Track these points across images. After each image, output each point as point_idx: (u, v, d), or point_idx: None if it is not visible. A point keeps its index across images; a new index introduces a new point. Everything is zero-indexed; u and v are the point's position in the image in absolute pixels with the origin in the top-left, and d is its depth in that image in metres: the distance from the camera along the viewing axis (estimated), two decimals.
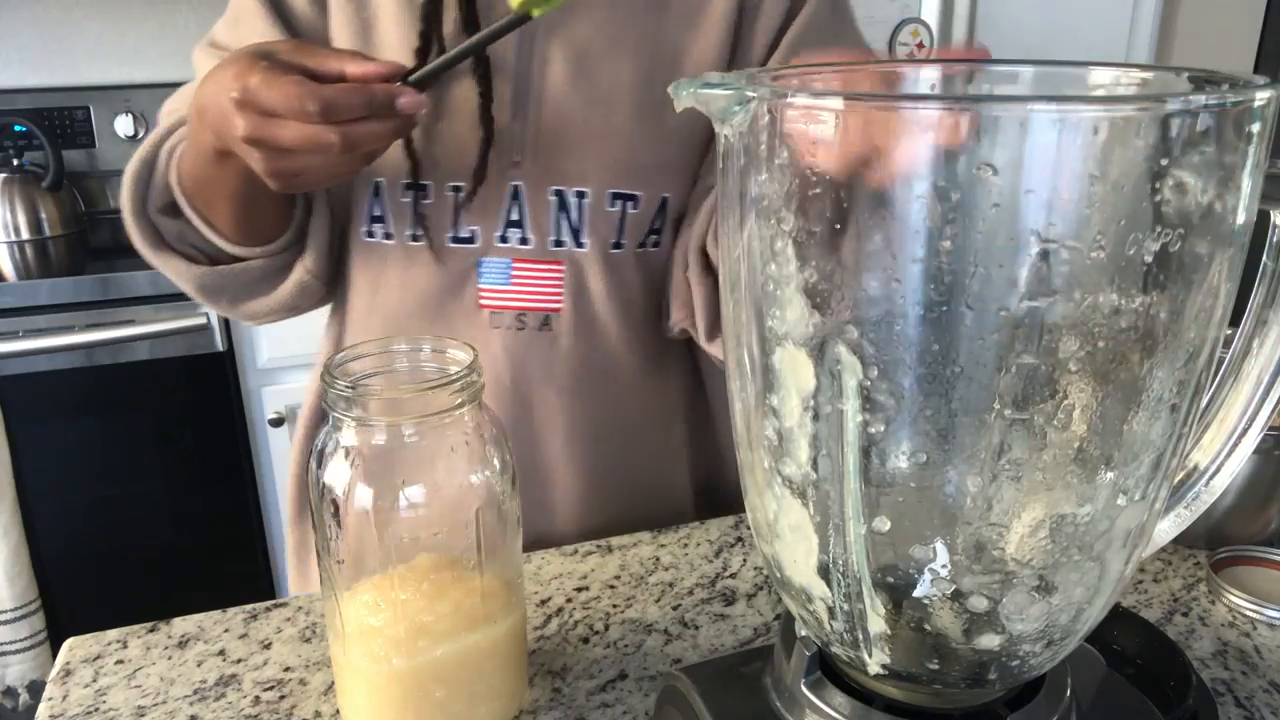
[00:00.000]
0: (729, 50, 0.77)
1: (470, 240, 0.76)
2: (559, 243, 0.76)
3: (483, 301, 0.76)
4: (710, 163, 0.78)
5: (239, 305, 0.80)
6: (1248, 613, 0.64)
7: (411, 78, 0.63)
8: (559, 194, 0.75)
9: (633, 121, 0.74)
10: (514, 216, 0.75)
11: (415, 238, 0.76)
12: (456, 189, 0.74)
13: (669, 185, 0.77)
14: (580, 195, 0.75)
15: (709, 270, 0.75)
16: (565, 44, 0.73)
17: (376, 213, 0.77)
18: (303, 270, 0.78)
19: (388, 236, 0.77)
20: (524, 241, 0.76)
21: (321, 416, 0.56)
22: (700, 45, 0.76)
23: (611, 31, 0.74)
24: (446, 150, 0.74)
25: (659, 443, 0.83)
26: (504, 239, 0.75)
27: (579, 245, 0.76)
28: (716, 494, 0.87)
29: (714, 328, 0.76)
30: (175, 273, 0.77)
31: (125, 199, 0.73)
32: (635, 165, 0.75)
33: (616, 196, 0.75)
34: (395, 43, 0.73)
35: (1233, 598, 0.65)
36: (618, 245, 0.77)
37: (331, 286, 0.83)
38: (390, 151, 0.70)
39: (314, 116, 0.57)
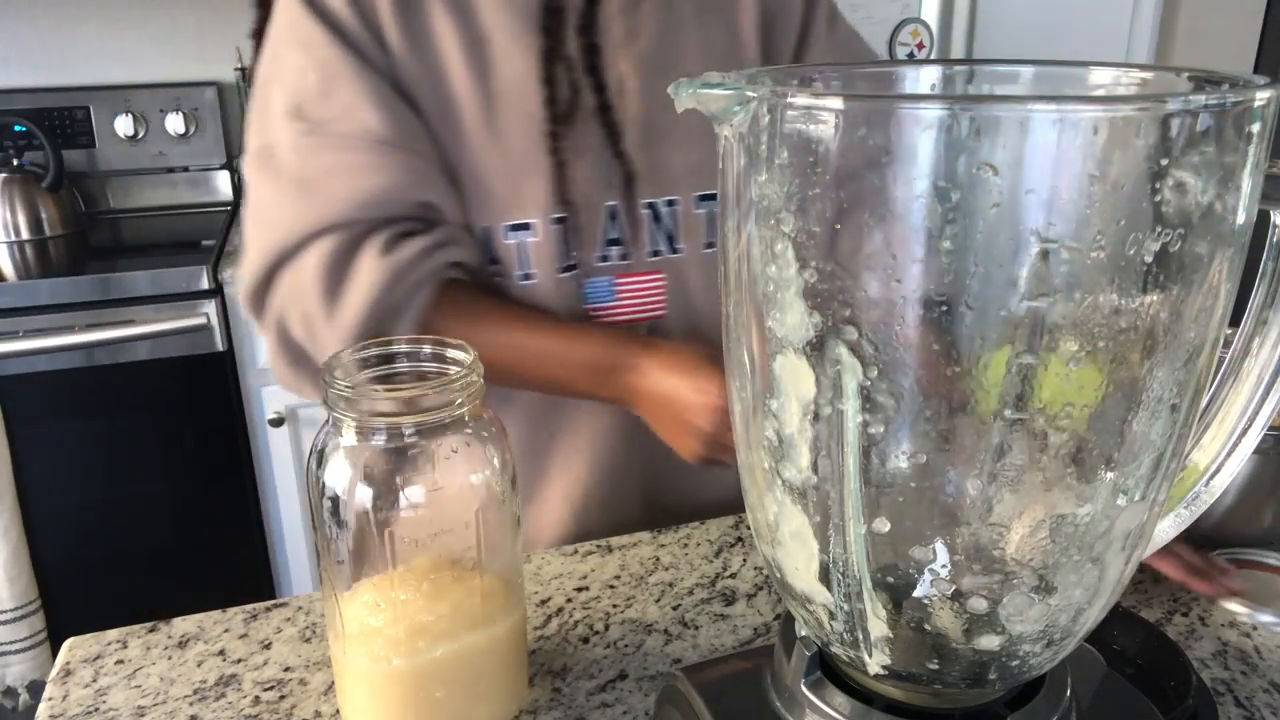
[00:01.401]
0: (765, 57, 0.82)
1: (574, 266, 0.77)
2: (656, 252, 0.78)
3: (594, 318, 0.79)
4: None
5: None
6: (1242, 618, 0.64)
7: None
8: (651, 206, 0.77)
9: (706, 121, 0.76)
10: (612, 235, 0.78)
11: (527, 277, 0.77)
12: (559, 220, 0.75)
13: None
14: (670, 204, 0.78)
15: None
16: (633, 61, 0.75)
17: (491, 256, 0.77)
18: None
19: (497, 275, 0.78)
20: (624, 257, 0.78)
21: None
22: (746, 53, 0.80)
23: (670, 41, 0.77)
24: (581, 189, 0.75)
25: None
26: (604, 258, 0.78)
27: (675, 251, 0.79)
28: None
29: None
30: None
31: (351, 335, 0.69)
32: (715, 164, 0.78)
33: (703, 199, 0.78)
34: (513, 55, 0.73)
35: (1224, 602, 0.64)
36: (710, 245, 0.79)
37: None
38: (538, 192, 0.73)
39: None
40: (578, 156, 0.74)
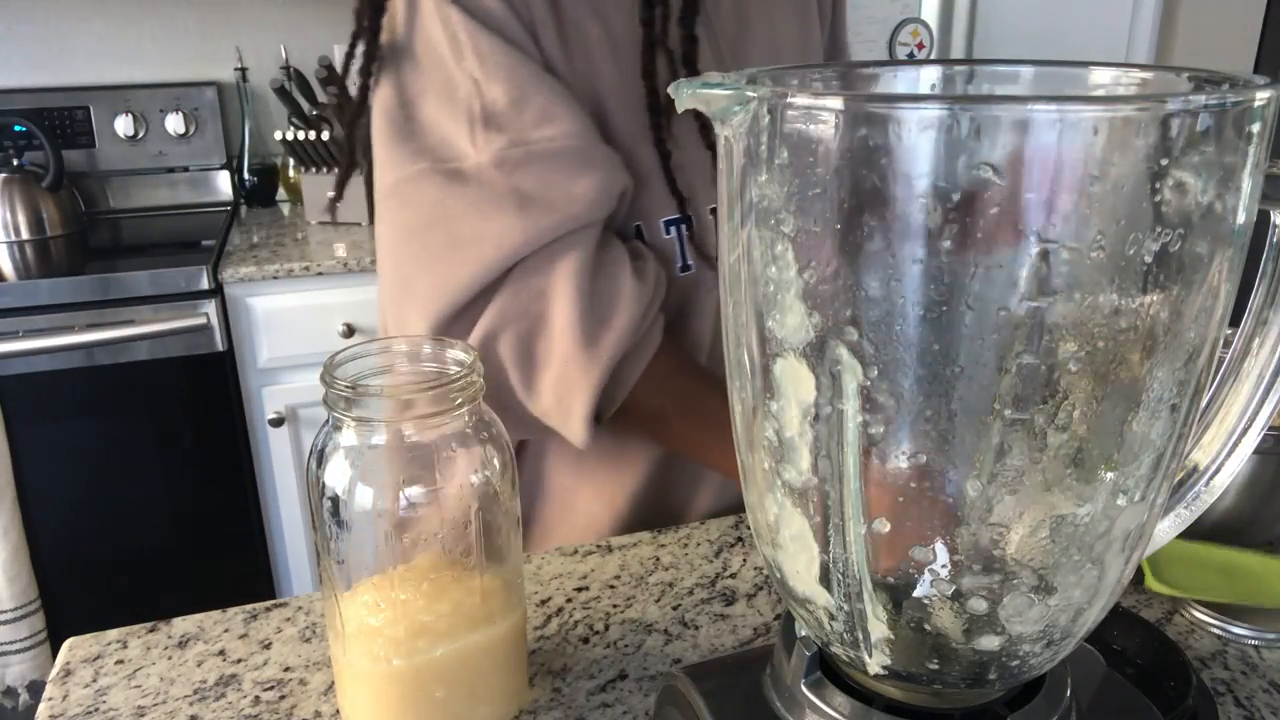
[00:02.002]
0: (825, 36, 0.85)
1: (687, 268, 0.77)
2: None
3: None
4: None
5: None
6: (1215, 632, 0.63)
7: None
8: (713, 210, 0.78)
9: None
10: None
11: (686, 268, 0.77)
12: (673, 222, 0.75)
13: None
14: None
15: None
16: (728, 49, 0.77)
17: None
18: None
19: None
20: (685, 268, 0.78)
21: None
22: (815, 37, 0.82)
23: (740, 19, 0.77)
24: (689, 179, 0.75)
25: None
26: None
27: None
28: None
29: None
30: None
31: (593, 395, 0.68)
32: None
33: None
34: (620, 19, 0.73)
35: (1196, 612, 0.64)
36: None
37: None
38: (651, 188, 0.72)
39: None
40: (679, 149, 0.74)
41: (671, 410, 0.73)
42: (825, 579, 0.38)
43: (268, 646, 0.62)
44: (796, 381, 0.35)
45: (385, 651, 0.50)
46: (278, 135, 1.96)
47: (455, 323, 0.69)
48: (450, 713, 0.53)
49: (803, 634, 0.42)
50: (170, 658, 0.61)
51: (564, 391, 0.69)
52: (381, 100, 0.70)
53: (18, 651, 1.67)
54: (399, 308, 0.71)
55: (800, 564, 0.38)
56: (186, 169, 2.14)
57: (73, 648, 0.62)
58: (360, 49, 0.71)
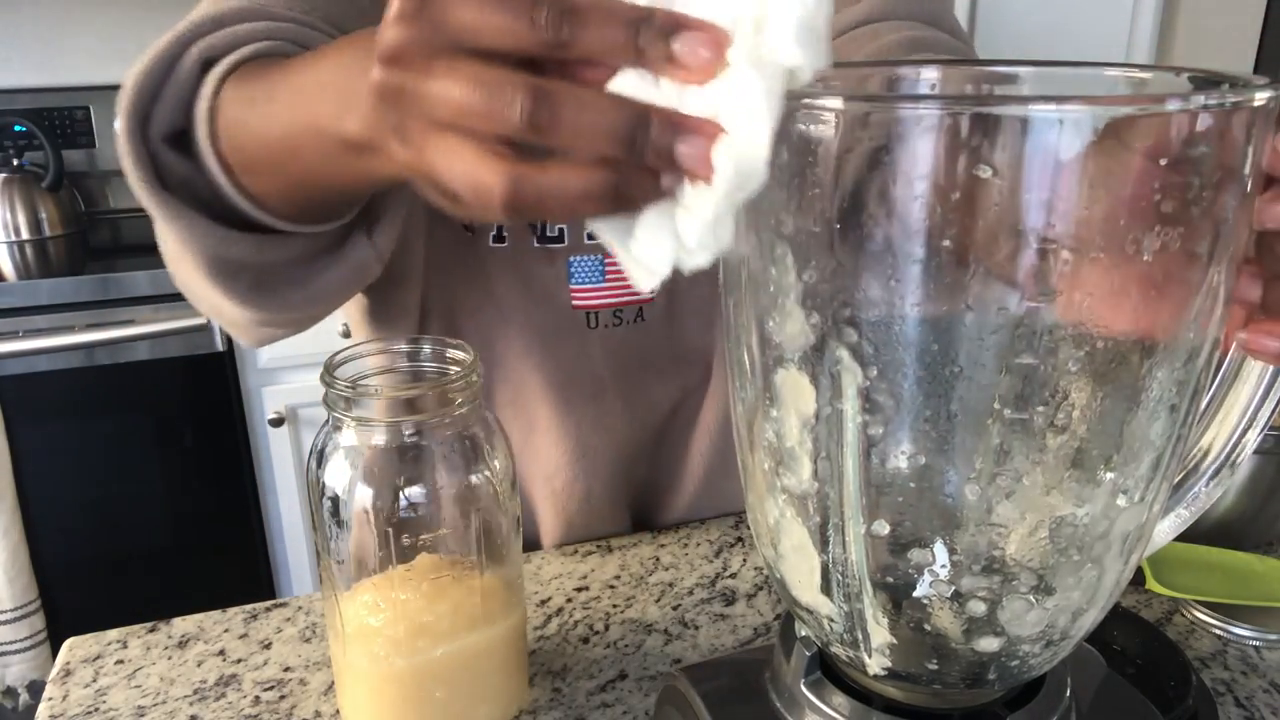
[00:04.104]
0: None
1: (559, 239, 0.72)
2: None
3: (575, 302, 0.73)
4: None
5: (262, 295, 0.56)
6: (1216, 632, 0.63)
7: None
8: None
9: None
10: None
11: (499, 239, 0.70)
12: None
13: None
14: None
15: None
16: None
17: None
18: (367, 248, 0.58)
19: (467, 228, 0.69)
20: None
21: None
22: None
23: None
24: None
25: None
26: (592, 237, 0.71)
27: None
28: None
29: None
30: (185, 230, 0.51)
31: (122, 110, 0.52)
32: None
33: None
34: None
35: (1196, 613, 0.64)
36: None
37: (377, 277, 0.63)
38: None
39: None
40: None
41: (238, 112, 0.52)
42: (826, 586, 0.38)
43: (268, 646, 0.62)
44: (797, 394, 0.35)
45: (385, 651, 0.50)
46: None
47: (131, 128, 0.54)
48: (450, 713, 0.53)
49: (803, 634, 0.42)
50: (170, 658, 0.61)
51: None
52: None
53: (18, 651, 1.67)
54: None
55: (802, 573, 0.38)
56: None
57: (73, 648, 0.62)
58: None
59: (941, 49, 0.70)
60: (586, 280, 0.73)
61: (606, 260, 0.73)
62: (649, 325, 0.75)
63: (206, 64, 0.54)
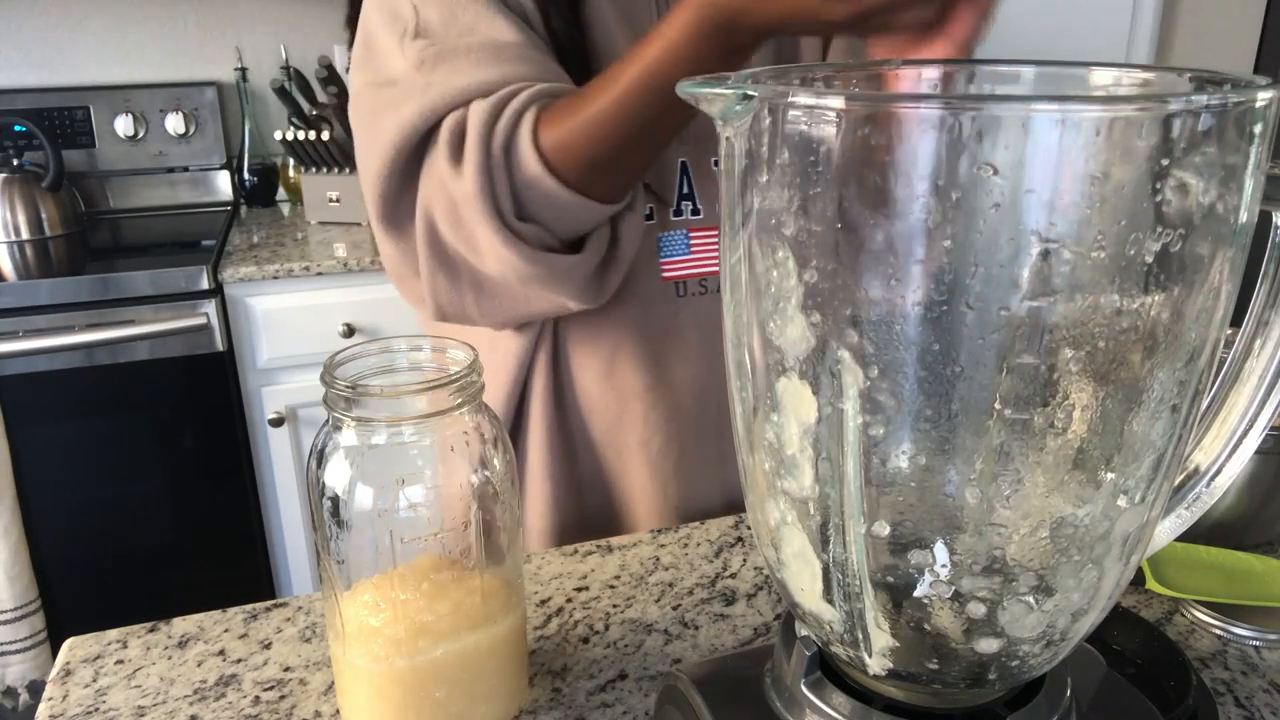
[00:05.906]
0: None
1: (649, 217, 0.79)
2: None
3: (665, 274, 0.80)
4: None
5: (586, 289, 0.72)
6: (1215, 632, 0.63)
7: None
8: (718, 163, 0.77)
9: None
10: (684, 190, 0.80)
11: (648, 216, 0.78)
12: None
13: None
14: None
15: None
16: None
17: None
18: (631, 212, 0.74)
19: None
20: (695, 212, 0.80)
21: None
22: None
23: None
24: None
25: None
26: (678, 212, 0.80)
27: None
28: None
29: None
30: (563, 273, 0.69)
31: (483, 215, 0.65)
32: None
33: None
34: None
35: (1196, 612, 0.64)
36: None
37: None
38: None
39: None
40: None
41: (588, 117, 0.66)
42: (828, 591, 0.38)
43: (268, 646, 0.62)
44: (797, 402, 0.35)
45: (385, 651, 0.50)
46: (278, 135, 1.96)
47: (392, 213, 0.71)
48: (450, 713, 0.53)
49: (803, 634, 0.42)
50: (170, 658, 0.60)
51: (470, 229, 0.68)
52: (356, 43, 0.75)
53: (18, 651, 1.67)
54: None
55: (804, 580, 0.38)
56: (186, 169, 2.14)
57: (73, 648, 0.62)
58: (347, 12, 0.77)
59: None
60: (674, 254, 0.80)
61: (691, 233, 0.80)
62: None
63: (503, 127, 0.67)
